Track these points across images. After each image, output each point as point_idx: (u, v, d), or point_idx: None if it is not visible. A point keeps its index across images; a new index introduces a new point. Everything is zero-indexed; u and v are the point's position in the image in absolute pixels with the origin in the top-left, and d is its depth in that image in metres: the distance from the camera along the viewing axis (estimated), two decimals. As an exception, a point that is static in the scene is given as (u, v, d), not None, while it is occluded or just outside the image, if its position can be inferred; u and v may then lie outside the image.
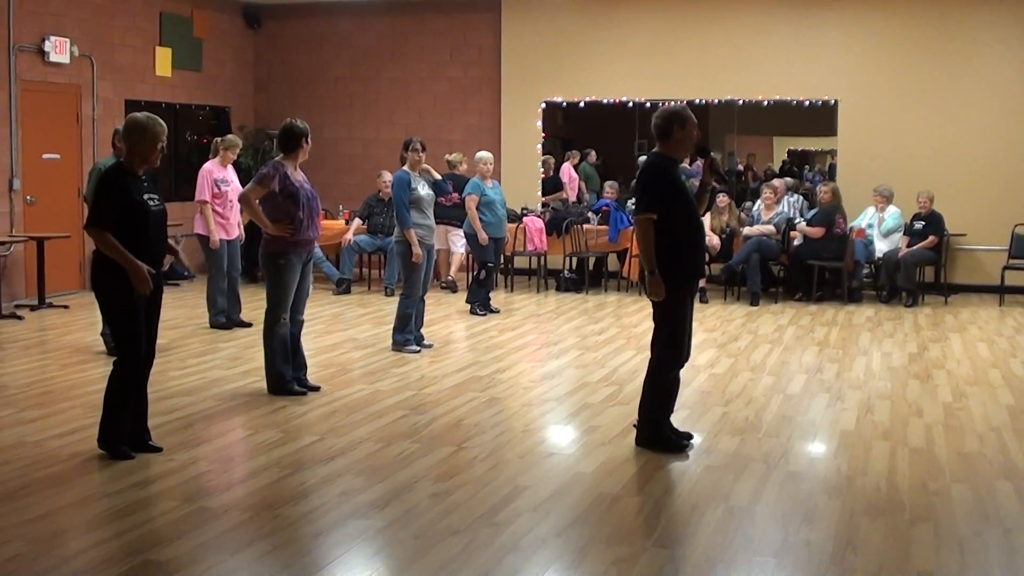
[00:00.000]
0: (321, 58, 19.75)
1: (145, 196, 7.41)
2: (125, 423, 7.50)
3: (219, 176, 12.85)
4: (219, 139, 13.23)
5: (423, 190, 11.59)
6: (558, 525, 6.28)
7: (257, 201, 9.39)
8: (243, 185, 13.17)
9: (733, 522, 6.36)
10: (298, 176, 9.48)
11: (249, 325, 12.87)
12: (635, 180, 7.90)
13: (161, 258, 7.72)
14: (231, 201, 12.73)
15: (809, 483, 7.18)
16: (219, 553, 5.77)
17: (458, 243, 16.32)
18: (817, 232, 15.61)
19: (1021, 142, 16.64)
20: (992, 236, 16.64)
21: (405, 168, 11.58)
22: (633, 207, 7.66)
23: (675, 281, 7.72)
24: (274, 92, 19.97)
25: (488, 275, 14.38)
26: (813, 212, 16.21)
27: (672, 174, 7.74)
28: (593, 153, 19.76)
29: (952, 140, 16.92)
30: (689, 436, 8.07)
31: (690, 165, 15.66)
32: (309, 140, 9.57)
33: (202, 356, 11.28)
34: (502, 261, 15.51)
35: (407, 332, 11.61)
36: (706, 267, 15.73)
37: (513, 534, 6.09)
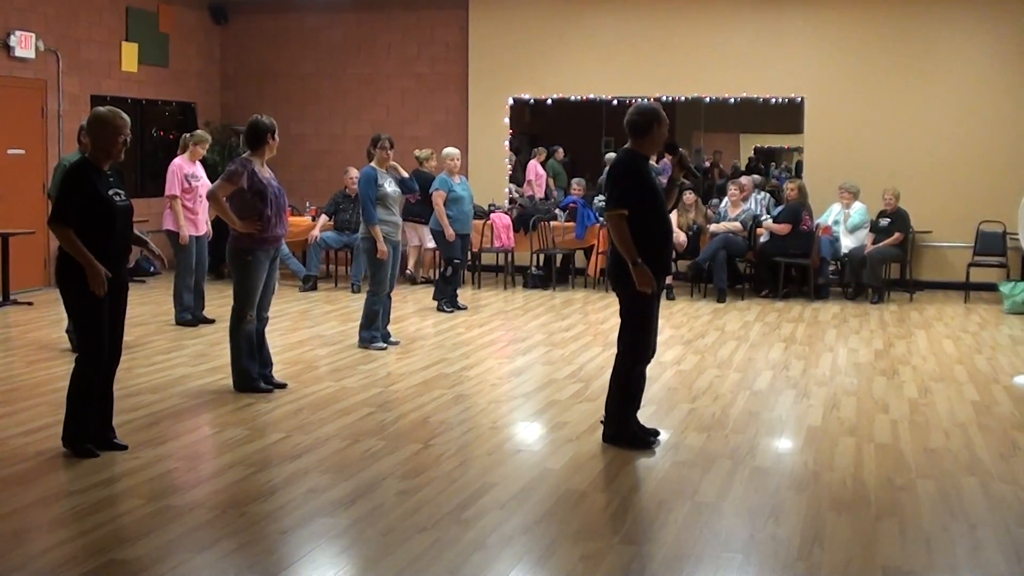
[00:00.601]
0: (288, 54, 19.68)
1: (111, 192, 7.36)
2: (89, 421, 7.45)
3: (189, 171, 12.80)
4: (188, 135, 13.18)
5: (390, 187, 11.56)
6: (525, 522, 6.27)
7: (225, 198, 9.36)
8: (212, 182, 13.15)
9: (700, 518, 6.37)
10: (265, 173, 9.45)
11: (212, 322, 12.82)
12: (605, 176, 7.89)
13: (127, 254, 7.68)
14: (200, 197, 12.68)
15: (776, 479, 7.19)
16: (184, 551, 5.74)
17: (428, 240, 16.39)
18: (783, 229, 15.66)
19: (986, 139, 16.74)
20: (957, 233, 16.73)
21: (372, 164, 11.55)
22: (603, 203, 7.64)
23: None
24: (241, 88, 19.90)
25: (455, 272, 14.36)
26: (779, 209, 16.26)
27: (644, 170, 7.75)
28: (560, 150, 19.78)
29: (918, 137, 17.01)
30: (656, 433, 8.08)
31: (657, 163, 15.68)
32: (276, 136, 9.51)
33: (168, 353, 11.22)
34: (469, 258, 15.48)
35: (374, 329, 11.58)
36: (673, 264, 15.80)
37: (480, 531, 6.08)
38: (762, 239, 15.97)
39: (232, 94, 19.94)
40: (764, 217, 16.20)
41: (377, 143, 11.63)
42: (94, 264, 7.18)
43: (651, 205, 7.68)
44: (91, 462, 7.30)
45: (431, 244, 16.22)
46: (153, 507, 6.43)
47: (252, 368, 9.49)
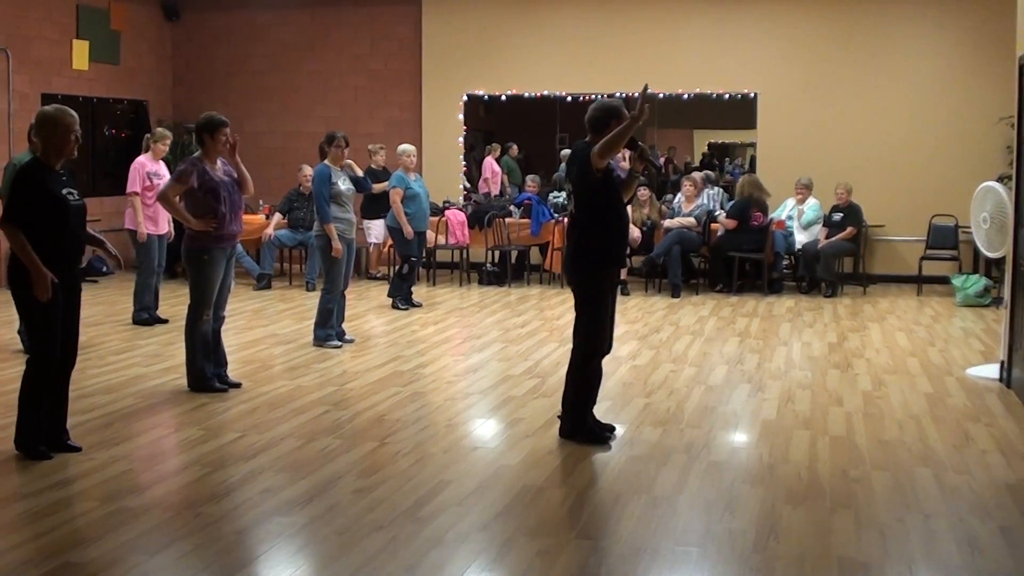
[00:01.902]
0: (240, 51, 19.59)
1: (64, 191, 7.31)
2: (42, 422, 7.39)
3: (151, 169, 12.72)
4: (148, 134, 13.12)
5: (343, 185, 11.52)
6: (483, 518, 6.28)
7: (177, 198, 9.32)
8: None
9: (656, 512, 6.39)
10: (218, 170, 9.40)
11: (166, 322, 12.76)
12: (566, 164, 7.88)
13: (81, 254, 7.62)
14: None
15: (731, 472, 7.22)
16: (140, 553, 5.70)
17: (371, 235, 16.49)
18: (729, 224, 15.74)
19: (937, 134, 16.86)
20: (910, 227, 16.84)
21: (326, 162, 11.51)
22: (558, 199, 7.62)
23: (598, 269, 7.77)
24: (193, 85, 19.78)
25: (411, 269, 14.33)
26: (731, 204, 16.35)
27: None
28: (515, 147, 19.78)
29: (870, 132, 17.13)
30: (612, 428, 8.10)
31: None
32: (224, 133, 9.42)
33: (122, 353, 11.15)
34: (424, 254, 15.47)
35: (328, 327, 11.55)
36: (627, 259, 15.85)
37: (437, 528, 6.07)
38: (719, 233, 16.04)
39: (184, 91, 19.81)
40: (717, 212, 16.28)
41: (332, 141, 11.58)
42: (40, 268, 7.11)
43: (608, 196, 7.72)
44: (44, 464, 7.24)
45: (375, 240, 16.32)
46: (108, 509, 6.38)
47: (207, 368, 9.45)
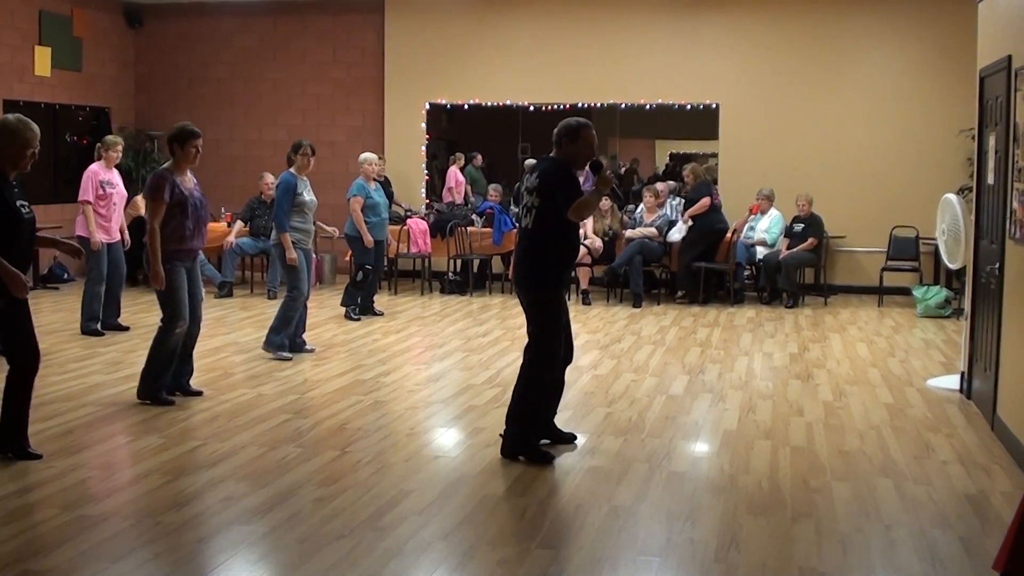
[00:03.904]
0: (203, 58, 19.53)
1: (18, 203, 7.26)
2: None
3: (104, 178, 12.64)
4: (99, 143, 13.04)
5: (308, 195, 11.48)
6: (443, 528, 6.27)
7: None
8: (127, 188, 13.03)
9: (617, 522, 6.40)
10: (188, 183, 9.34)
11: (127, 329, 12.69)
12: (529, 176, 7.83)
13: (29, 265, 7.58)
14: (115, 204, 12.57)
15: (692, 482, 7.24)
16: (100, 561, 5.66)
17: None
18: (704, 205, 15.73)
19: (898, 145, 16.96)
20: (871, 238, 16.93)
21: (292, 171, 11.45)
22: (533, 204, 7.55)
23: (553, 289, 7.77)
24: (155, 92, 19.69)
25: (365, 277, 14.28)
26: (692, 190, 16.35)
27: (573, 176, 7.80)
28: (479, 156, 19.76)
29: (831, 143, 17.21)
30: (573, 436, 8.10)
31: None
32: (195, 144, 9.35)
33: (82, 361, 11.09)
34: (385, 263, 15.44)
35: (284, 336, 11.41)
36: (590, 268, 15.91)
37: (398, 538, 6.06)
38: (675, 236, 16.03)
39: (146, 98, 19.73)
40: (678, 223, 16.27)
41: (298, 149, 11.50)
42: (8, 268, 7.07)
43: (570, 222, 7.71)
44: (4, 471, 7.19)
45: None
46: (68, 516, 6.34)
47: (163, 379, 9.38)
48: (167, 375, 9.41)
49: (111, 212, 12.64)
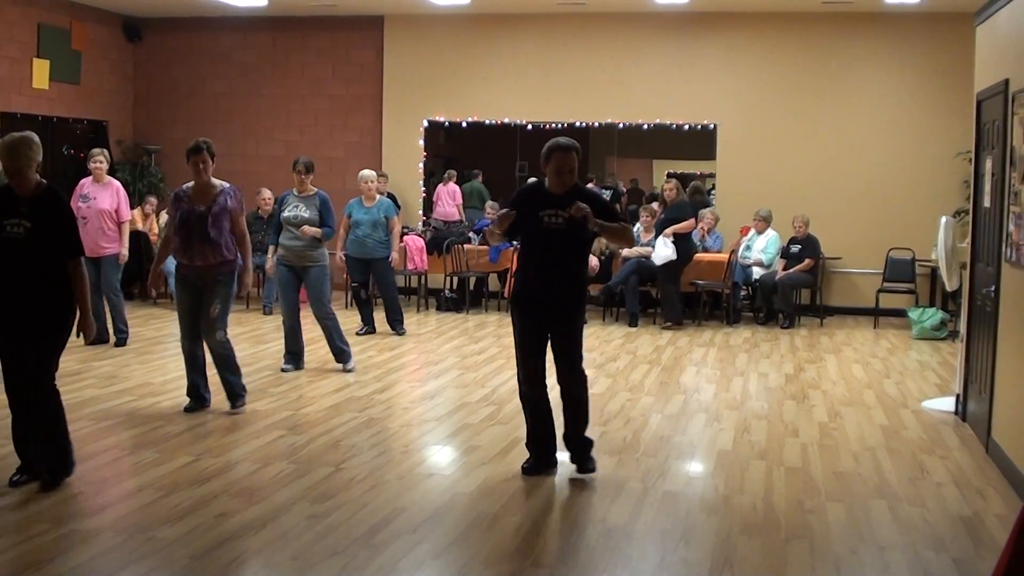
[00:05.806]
0: (201, 73, 19.53)
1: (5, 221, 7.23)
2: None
3: (84, 191, 12.57)
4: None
5: (289, 211, 11.47)
6: (437, 546, 6.25)
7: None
8: (127, 200, 13.06)
9: (611, 541, 6.38)
10: (202, 199, 9.44)
11: (107, 341, 12.65)
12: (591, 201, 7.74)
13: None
14: (86, 219, 12.17)
15: (687, 502, 7.22)
16: (91, 576, 5.66)
17: None
18: (688, 225, 15.52)
19: (895, 168, 16.98)
20: (867, 260, 16.94)
21: (293, 189, 11.60)
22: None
23: (513, 298, 8.00)
24: (153, 106, 19.69)
25: (356, 294, 14.37)
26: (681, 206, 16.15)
27: (516, 196, 7.90)
28: (480, 173, 19.72)
29: (828, 165, 17.23)
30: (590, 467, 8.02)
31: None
32: (192, 159, 9.44)
33: (76, 375, 11.06)
34: (371, 282, 15.35)
35: (343, 342, 11.69)
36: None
37: (392, 556, 6.05)
38: (663, 262, 15.81)
39: (144, 112, 19.73)
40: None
41: (294, 167, 11.62)
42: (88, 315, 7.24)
43: (542, 241, 7.72)
44: (-5, 485, 7.18)
45: None
46: (59, 532, 6.32)
47: (193, 380, 9.66)
48: (197, 376, 9.68)
49: (83, 226, 12.51)
